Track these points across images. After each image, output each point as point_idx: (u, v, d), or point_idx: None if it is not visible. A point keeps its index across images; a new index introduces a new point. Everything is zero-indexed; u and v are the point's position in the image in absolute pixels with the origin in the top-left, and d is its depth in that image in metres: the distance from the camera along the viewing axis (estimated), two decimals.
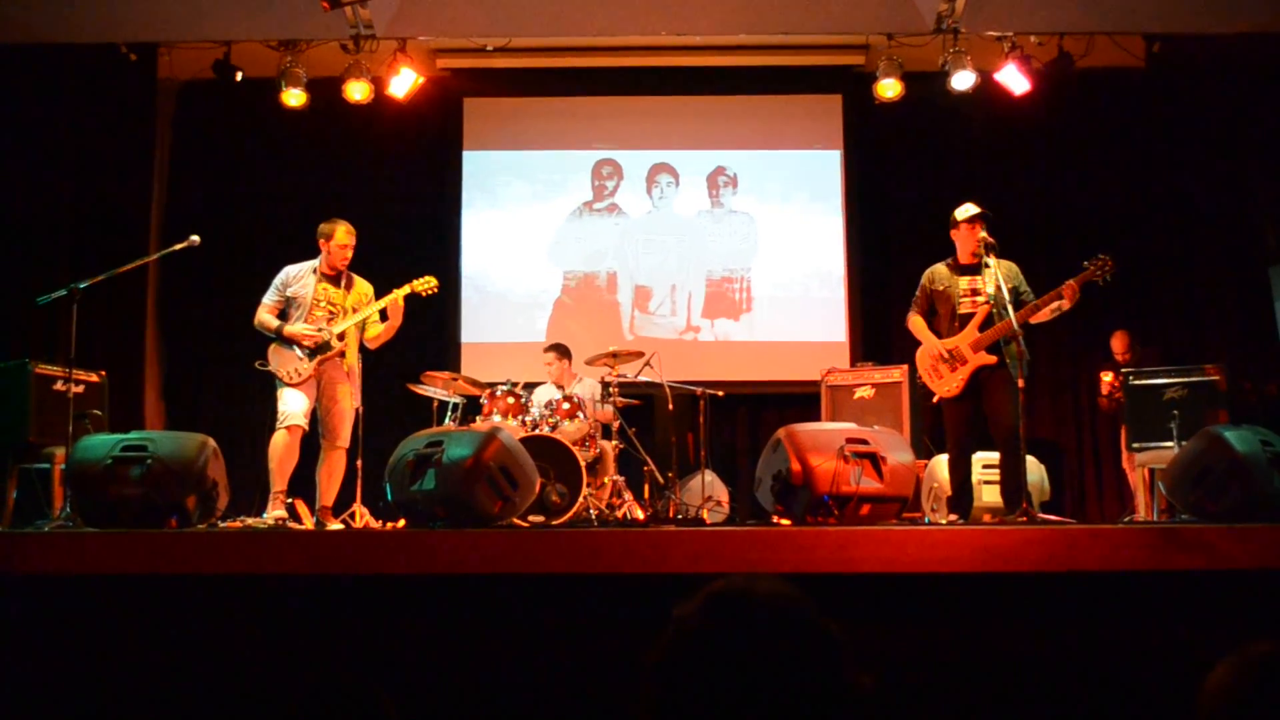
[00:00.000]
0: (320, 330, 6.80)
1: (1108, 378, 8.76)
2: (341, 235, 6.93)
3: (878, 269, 9.93)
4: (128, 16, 8.38)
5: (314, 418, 6.92)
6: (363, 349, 7.09)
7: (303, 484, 7.06)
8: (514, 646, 5.06)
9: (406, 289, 7.08)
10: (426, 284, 7.21)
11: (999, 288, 6.23)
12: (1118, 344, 8.80)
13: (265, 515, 6.71)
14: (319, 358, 6.79)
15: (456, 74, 9.94)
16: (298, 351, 6.78)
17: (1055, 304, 6.32)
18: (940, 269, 6.66)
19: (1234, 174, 9.40)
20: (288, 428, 6.75)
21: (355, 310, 6.95)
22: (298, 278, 6.96)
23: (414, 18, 8.62)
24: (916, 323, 6.68)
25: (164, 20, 8.46)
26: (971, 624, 4.96)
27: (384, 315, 7.05)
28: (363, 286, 7.07)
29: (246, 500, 7.76)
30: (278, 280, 6.99)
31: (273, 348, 6.86)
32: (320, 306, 6.89)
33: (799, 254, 9.98)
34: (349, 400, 6.93)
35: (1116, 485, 9.19)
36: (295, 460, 6.82)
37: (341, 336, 6.85)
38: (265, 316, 6.91)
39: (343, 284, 6.98)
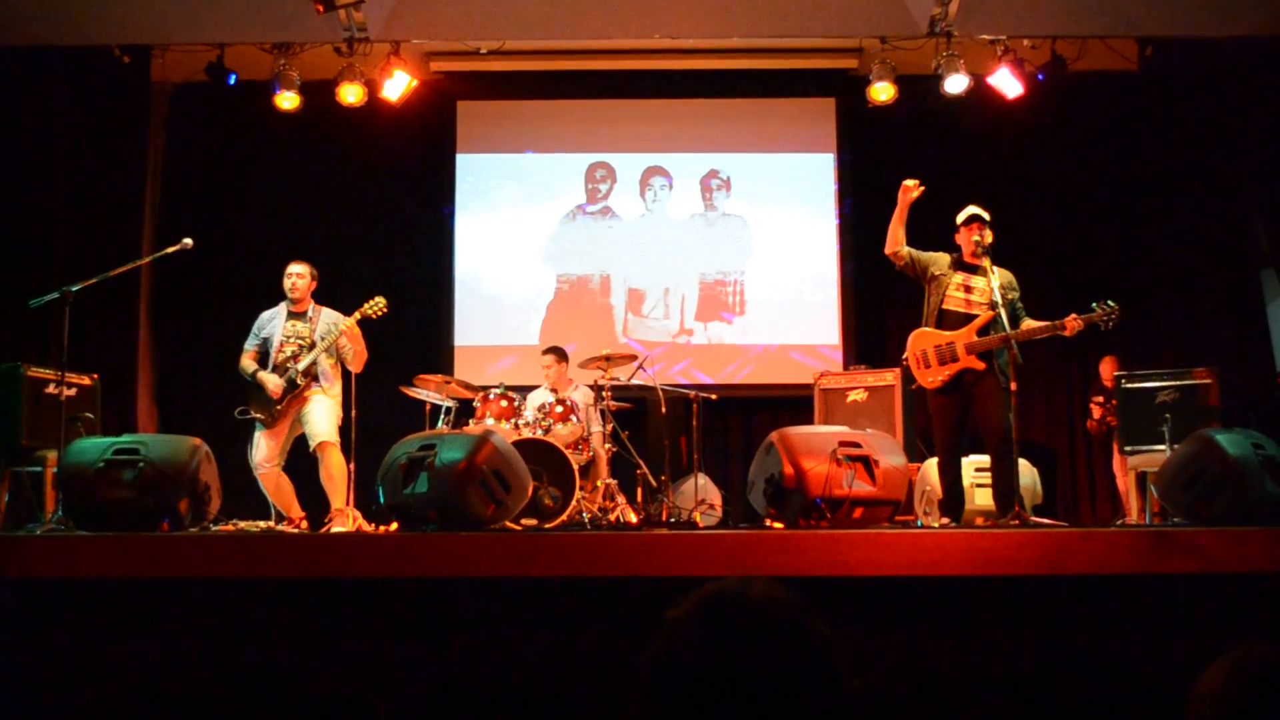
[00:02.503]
0: (286, 372, 7.12)
1: (1098, 399, 8.76)
2: (290, 268, 7.35)
3: (871, 272, 9.92)
4: (121, 19, 8.36)
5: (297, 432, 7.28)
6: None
7: (320, 487, 7.12)
8: (507, 650, 5.06)
9: (356, 315, 7.27)
10: (375, 306, 7.34)
11: (996, 295, 6.24)
12: (1106, 369, 8.80)
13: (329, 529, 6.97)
14: (289, 397, 7.12)
15: (450, 77, 9.93)
16: (271, 394, 7.13)
17: (1053, 332, 6.35)
18: (944, 256, 6.66)
19: (1226, 177, 9.43)
20: (262, 475, 7.17)
21: (323, 339, 7.20)
22: (269, 320, 7.36)
23: (407, 21, 8.61)
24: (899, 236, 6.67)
25: (157, 23, 8.44)
26: (964, 627, 4.96)
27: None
28: (329, 316, 7.35)
29: (238, 503, 7.76)
30: (254, 326, 7.39)
31: (251, 391, 7.22)
32: (289, 342, 7.23)
33: (792, 257, 9.98)
34: (320, 400, 7.15)
35: (1109, 488, 9.20)
36: (289, 487, 7.23)
37: (308, 371, 7.12)
38: (245, 362, 7.31)
39: (308, 317, 7.30)
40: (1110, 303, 6.34)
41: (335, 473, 6.97)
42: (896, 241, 6.64)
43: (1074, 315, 6.30)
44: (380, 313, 7.35)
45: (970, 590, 4.91)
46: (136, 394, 9.27)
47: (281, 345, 7.19)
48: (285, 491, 7.17)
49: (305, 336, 7.21)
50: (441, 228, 10.00)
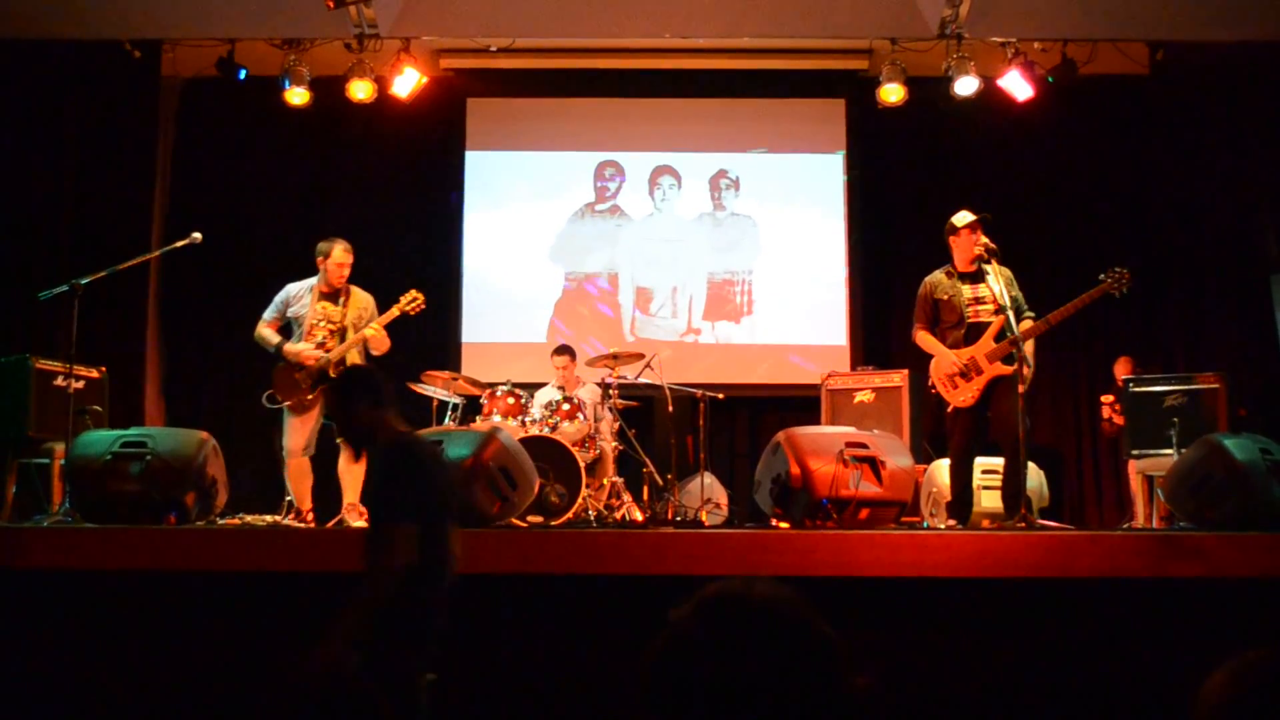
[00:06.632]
0: (319, 355, 6.93)
1: (1108, 400, 8.72)
2: (339, 254, 7.08)
3: (879, 273, 9.92)
4: (132, 13, 8.39)
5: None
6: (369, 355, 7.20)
7: (327, 481, 7.09)
8: (511, 646, 5.07)
9: (395, 311, 7.12)
10: (413, 302, 7.20)
11: (1003, 295, 6.22)
12: (1121, 369, 8.75)
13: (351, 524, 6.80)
14: (321, 387, 6.93)
15: (460, 74, 9.93)
16: (299, 380, 6.94)
17: (1068, 313, 6.31)
18: (940, 278, 6.60)
19: (1236, 182, 9.40)
20: (292, 463, 6.98)
21: (355, 326, 7.05)
22: (298, 297, 7.11)
23: (418, 17, 8.62)
24: (926, 338, 6.56)
25: (168, 17, 8.46)
26: (969, 628, 4.96)
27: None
28: (361, 299, 7.18)
29: (245, 498, 7.77)
30: (278, 298, 7.15)
31: (277, 374, 7.00)
32: (320, 326, 7.03)
33: (800, 257, 9.96)
34: None
35: (1116, 492, 9.18)
36: (310, 480, 7.04)
37: (341, 362, 6.95)
38: (265, 331, 7.08)
39: (341, 300, 7.11)
40: (1118, 268, 6.30)
41: (355, 467, 6.88)
42: (929, 340, 6.61)
43: (1083, 295, 6.25)
44: (418, 309, 7.21)
45: (976, 592, 4.91)
46: (144, 387, 9.27)
47: (311, 329, 7.00)
48: (306, 484, 7.01)
49: (336, 320, 7.03)
50: (450, 224, 9.99)
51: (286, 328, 7.13)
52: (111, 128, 9.22)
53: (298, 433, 6.96)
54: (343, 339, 7.02)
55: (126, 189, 9.28)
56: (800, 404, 9.07)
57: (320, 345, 7.00)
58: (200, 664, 5.07)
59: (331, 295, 7.09)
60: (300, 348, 6.95)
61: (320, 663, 3.45)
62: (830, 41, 9.53)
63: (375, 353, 7.12)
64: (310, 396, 6.95)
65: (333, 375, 6.89)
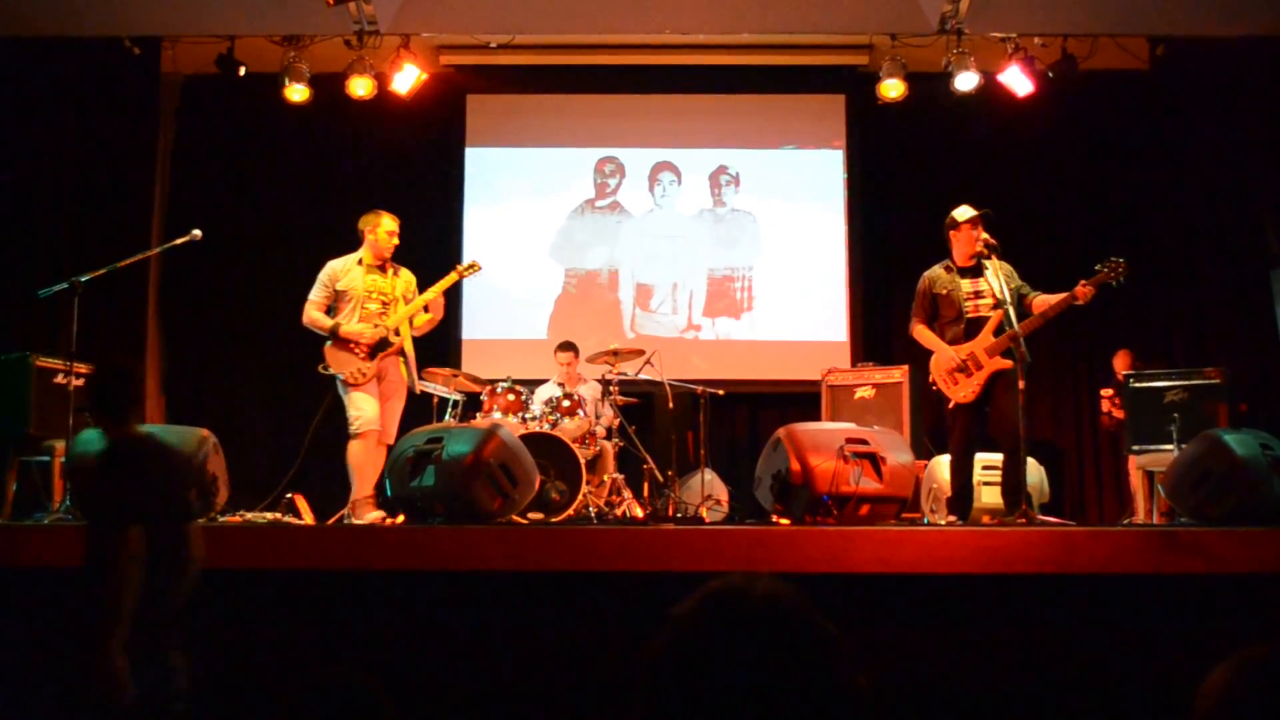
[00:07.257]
0: (376, 327, 6.81)
1: (1108, 393, 8.72)
2: (388, 222, 6.99)
3: (879, 269, 9.91)
4: (132, 10, 8.39)
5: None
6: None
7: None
8: (512, 643, 5.07)
9: (454, 276, 7.09)
10: (470, 269, 7.22)
11: (1002, 289, 6.21)
12: (1120, 363, 8.75)
13: (360, 518, 6.60)
14: (379, 355, 6.82)
15: (460, 70, 9.93)
16: (356, 350, 6.78)
17: (1068, 303, 6.27)
18: (939, 273, 6.61)
19: (1236, 177, 9.39)
20: (363, 434, 6.73)
21: (405, 299, 6.96)
22: (345, 271, 6.95)
23: (417, 14, 8.62)
24: (924, 333, 6.58)
25: (168, 14, 8.46)
26: (969, 625, 4.96)
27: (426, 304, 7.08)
28: (406, 274, 7.11)
29: (246, 495, 7.76)
30: (323, 276, 6.97)
31: (329, 349, 6.83)
32: (372, 298, 6.90)
33: (800, 253, 9.96)
34: (402, 399, 6.96)
35: (1116, 487, 9.18)
36: (380, 463, 6.68)
37: (398, 331, 6.86)
38: (316, 314, 6.88)
39: (389, 273, 7.01)
40: (1114, 258, 6.29)
41: (376, 465, 6.79)
42: (927, 335, 6.60)
43: (1082, 281, 6.23)
44: (473, 272, 7.28)
45: (976, 588, 4.91)
46: (144, 385, 9.28)
47: (364, 302, 6.86)
48: (371, 465, 6.71)
49: (388, 293, 6.92)
50: (450, 221, 10.00)
51: (333, 307, 6.95)
52: (111, 125, 9.21)
53: (369, 404, 6.74)
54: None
55: (126, 186, 9.28)
56: (801, 400, 9.07)
57: (378, 315, 6.87)
58: (200, 661, 5.07)
59: (380, 268, 6.97)
60: (360, 328, 6.78)
61: (101, 678, 3.53)
62: (830, 37, 9.54)
63: (422, 329, 7.05)
64: (369, 363, 6.76)
65: (392, 342, 6.83)
